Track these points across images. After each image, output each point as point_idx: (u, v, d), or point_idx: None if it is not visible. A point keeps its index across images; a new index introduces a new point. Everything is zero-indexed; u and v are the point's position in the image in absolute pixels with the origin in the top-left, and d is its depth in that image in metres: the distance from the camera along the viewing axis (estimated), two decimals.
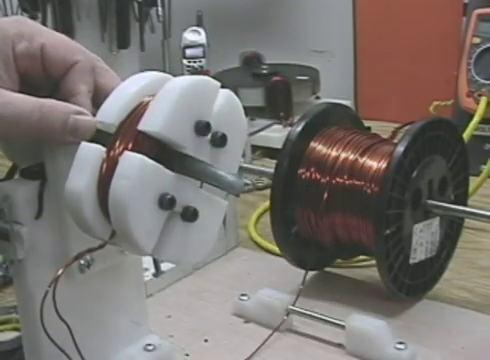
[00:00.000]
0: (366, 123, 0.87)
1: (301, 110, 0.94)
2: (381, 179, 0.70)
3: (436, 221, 0.73)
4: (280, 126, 1.23)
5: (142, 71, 0.50)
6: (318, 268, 0.81)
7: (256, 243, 0.91)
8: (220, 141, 0.46)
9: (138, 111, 0.46)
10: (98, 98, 0.50)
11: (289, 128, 0.83)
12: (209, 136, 0.46)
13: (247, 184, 1.09)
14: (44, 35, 0.51)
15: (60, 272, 0.47)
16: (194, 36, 1.40)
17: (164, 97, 0.44)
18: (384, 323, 0.66)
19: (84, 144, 0.45)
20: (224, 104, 0.47)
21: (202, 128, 0.45)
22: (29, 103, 0.47)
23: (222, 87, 0.48)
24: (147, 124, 0.44)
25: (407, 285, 0.73)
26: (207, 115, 0.46)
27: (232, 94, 0.48)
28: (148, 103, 0.45)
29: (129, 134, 0.44)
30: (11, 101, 0.47)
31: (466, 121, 1.03)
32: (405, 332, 0.69)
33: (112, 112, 0.46)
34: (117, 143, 0.44)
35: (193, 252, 0.48)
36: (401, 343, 0.64)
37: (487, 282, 0.79)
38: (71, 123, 0.47)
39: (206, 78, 0.47)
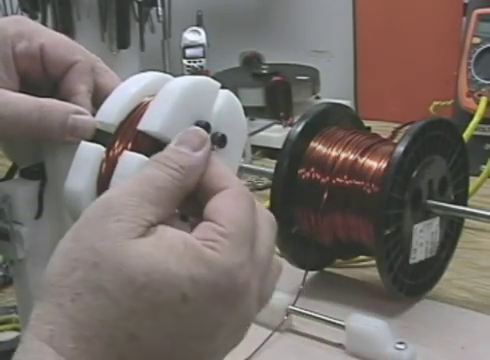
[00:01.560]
0: (366, 123, 0.87)
1: (301, 110, 0.94)
2: (381, 179, 0.70)
3: (436, 221, 0.73)
4: (280, 126, 1.23)
5: (142, 71, 0.50)
6: (318, 268, 0.81)
7: None
8: (220, 142, 0.46)
9: (138, 111, 0.46)
10: (98, 98, 0.50)
11: (289, 128, 0.83)
12: (209, 136, 0.46)
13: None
14: (44, 35, 0.51)
15: None
16: (194, 36, 1.40)
17: (164, 97, 0.44)
18: (384, 323, 0.66)
19: (84, 144, 0.45)
20: (224, 105, 0.47)
21: (202, 128, 0.45)
22: (29, 103, 0.47)
23: (222, 87, 0.48)
24: (147, 124, 0.44)
25: (407, 285, 0.73)
26: (207, 115, 0.46)
27: (232, 95, 0.48)
28: (148, 103, 0.45)
29: (129, 134, 0.44)
30: (11, 101, 0.47)
31: (466, 121, 1.03)
32: (405, 332, 0.69)
33: (112, 112, 0.46)
34: (116, 143, 0.44)
35: None
36: (401, 343, 0.64)
37: (487, 282, 0.79)
38: (70, 123, 0.47)
39: (206, 78, 0.47)
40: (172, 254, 0.33)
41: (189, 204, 0.37)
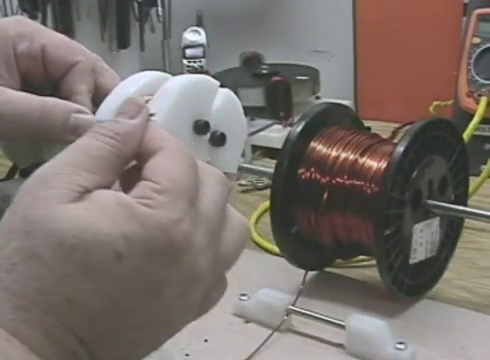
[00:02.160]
0: (366, 123, 0.87)
1: (301, 110, 0.94)
2: (381, 179, 0.70)
3: (436, 221, 0.73)
4: (280, 126, 1.23)
5: (142, 71, 0.50)
6: (318, 268, 0.81)
7: (256, 243, 0.91)
8: (219, 140, 0.46)
9: None
10: (98, 98, 0.50)
11: (289, 128, 0.83)
12: (208, 135, 0.46)
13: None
14: (45, 35, 0.51)
15: None
16: (194, 36, 1.40)
17: (163, 96, 0.44)
18: (384, 323, 0.66)
19: None
20: (223, 103, 0.47)
21: (201, 127, 0.45)
22: (30, 101, 0.47)
23: (221, 86, 0.48)
24: None
25: (407, 285, 0.73)
26: (206, 114, 0.46)
27: (231, 93, 0.48)
28: (147, 102, 0.45)
29: None
30: (12, 100, 0.47)
31: (466, 121, 1.03)
32: (405, 332, 0.69)
33: (111, 111, 0.46)
34: None
35: None
36: (401, 343, 0.64)
37: (487, 282, 0.79)
38: (72, 122, 0.47)
39: (205, 77, 0.47)
40: (104, 214, 0.33)
41: (134, 174, 0.37)
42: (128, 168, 0.38)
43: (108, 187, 0.36)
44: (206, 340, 0.70)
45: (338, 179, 0.73)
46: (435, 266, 0.76)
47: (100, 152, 0.36)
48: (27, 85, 0.51)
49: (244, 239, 0.40)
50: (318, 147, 0.75)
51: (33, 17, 1.27)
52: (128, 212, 0.33)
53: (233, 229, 0.39)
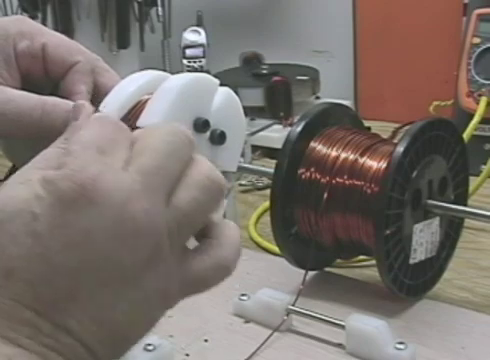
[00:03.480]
0: (366, 123, 0.87)
1: (301, 110, 0.94)
2: (381, 179, 0.70)
3: (436, 221, 0.73)
4: (280, 126, 1.23)
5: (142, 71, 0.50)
6: (318, 268, 0.81)
7: (256, 243, 0.91)
8: (219, 138, 0.47)
9: (137, 109, 0.46)
10: (98, 98, 0.50)
11: (289, 128, 0.83)
12: (208, 133, 0.46)
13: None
14: (45, 35, 0.51)
15: None
16: (194, 36, 1.40)
17: (163, 94, 0.44)
18: (384, 323, 0.66)
19: None
20: (223, 101, 0.47)
21: (201, 125, 0.45)
22: (31, 100, 0.47)
23: (221, 85, 0.48)
24: (145, 121, 0.44)
25: (407, 285, 0.73)
26: (206, 112, 0.46)
27: (231, 91, 0.48)
28: (147, 101, 0.46)
29: None
30: (13, 99, 0.47)
31: (466, 121, 1.03)
32: (405, 332, 0.69)
33: (111, 110, 0.46)
34: None
35: None
36: (401, 343, 0.64)
37: (487, 282, 0.79)
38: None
39: (205, 75, 0.47)
40: (23, 186, 0.35)
41: None
42: None
43: None
44: (206, 340, 0.70)
45: (338, 179, 0.73)
46: (435, 266, 0.76)
47: (51, 154, 0.38)
48: (27, 84, 0.51)
49: (212, 192, 0.38)
50: (318, 147, 0.75)
51: (33, 17, 1.27)
52: (41, 177, 0.35)
53: (196, 178, 0.37)
